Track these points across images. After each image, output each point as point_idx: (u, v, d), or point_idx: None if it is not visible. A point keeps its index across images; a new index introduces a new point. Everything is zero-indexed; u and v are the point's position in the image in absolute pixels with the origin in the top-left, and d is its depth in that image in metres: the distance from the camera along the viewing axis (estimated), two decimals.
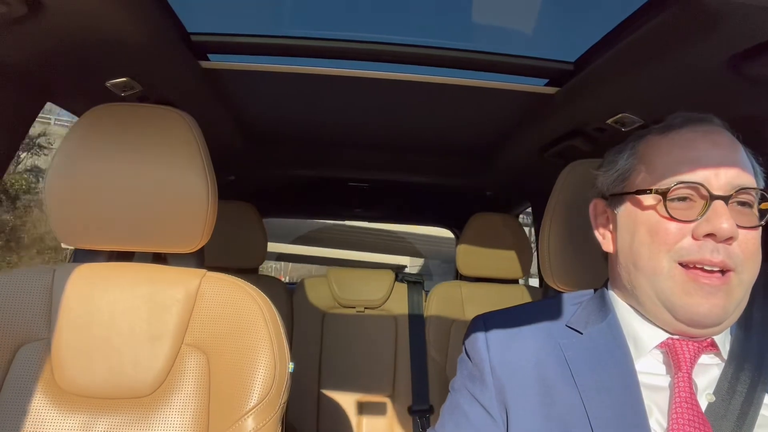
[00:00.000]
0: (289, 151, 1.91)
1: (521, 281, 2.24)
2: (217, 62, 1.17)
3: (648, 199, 0.71)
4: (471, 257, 2.12)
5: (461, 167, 1.99)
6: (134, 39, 0.95)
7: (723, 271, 0.65)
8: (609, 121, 1.20)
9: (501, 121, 1.47)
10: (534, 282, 3.06)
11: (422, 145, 1.78)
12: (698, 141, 0.70)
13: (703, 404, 0.66)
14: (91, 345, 0.91)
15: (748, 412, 0.64)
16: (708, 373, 0.70)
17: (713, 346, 0.70)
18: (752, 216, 0.67)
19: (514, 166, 1.80)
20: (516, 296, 2.10)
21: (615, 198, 0.77)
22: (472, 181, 2.13)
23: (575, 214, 0.97)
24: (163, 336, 0.92)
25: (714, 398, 0.66)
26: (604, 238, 0.80)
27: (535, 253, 2.15)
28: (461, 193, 2.52)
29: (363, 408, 2.06)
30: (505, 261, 2.12)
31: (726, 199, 0.66)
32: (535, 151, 1.55)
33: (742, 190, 0.67)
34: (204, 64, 1.16)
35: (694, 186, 0.67)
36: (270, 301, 0.97)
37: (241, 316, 0.93)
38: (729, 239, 0.64)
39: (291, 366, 0.93)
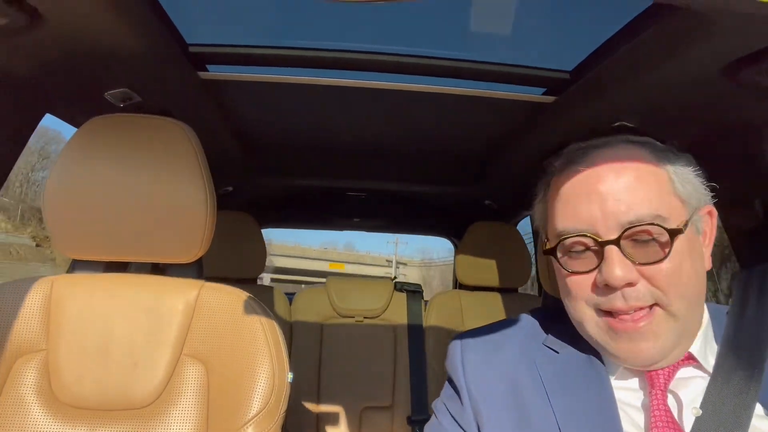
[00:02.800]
0: (287, 161, 1.92)
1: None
2: (215, 73, 1.18)
3: (555, 254, 0.70)
4: (470, 266, 2.12)
5: (459, 176, 1.99)
6: (133, 50, 0.95)
7: (642, 309, 0.63)
8: None
9: (499, 130, 1.48)
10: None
11: (421, 154, 1.78)
12: (581, 181, 0.67)
13: (690, 419, 0.64)
14: (90, 356, 0.90)
15: (739, 423, 0.62)
16: (691, 386, 0.67)
17: (691, 359, 0.68)
18: (656, 248, 0.63)
19: (513, 174, 1.80)
20: (515, 305, 2.09)
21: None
22: (471, 190, 2.13)
23: None
24: (162, 346, 0.91)
25: (701, 412, 0.64)
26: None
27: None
28: (460, 202, 2.53)
29: (362, 418, 2.05)
30: (503, 270, 2.12)
31: (616, 241, 0.62)
32: (533, 160, 1.55)
33: (632, 227, 0.62)
34: (203, 74, 1.17)
35: (580, 235, 0.65)
36: (269, 311, 0.97)
37: (239, 326, 0.92)
38: (628, 284, 0.62)
39: (290, 376, 0.93)
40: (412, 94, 1.24)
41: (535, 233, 2.16)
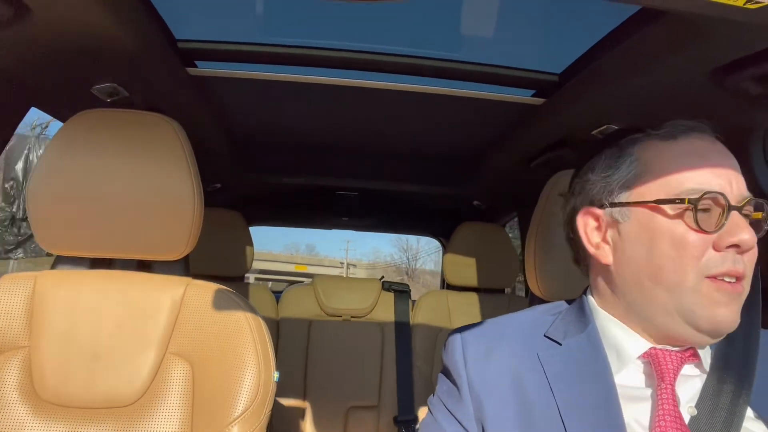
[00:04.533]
0: (276, 159, 1.91)
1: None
2: (204, 69, 1.17)
3: (669, 209, 0.68)
4: (458, 267, 2.13)
5: (449, 176, 2.00)
6: (121, 45, 0.94)
7: (737, 279, 0.65)
8: (594, 132, 1.21)
9: (488, 131, 1.48)
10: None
11: (410, 154, 1.78)
12: (710, 149, 0.69)
13: (685, 417, 0.65)
14: (73, 354, 0.89)
15: (731, 425, 0.63)
16: (689, 384, 0.68)
17: (695, 356, 0.69)
18: (759, 227, 0.68)
19: (501, 175, 1.81)
20: (502, 306, 2.10)
21: (619, 207, 0.73)
22: (460, 191, 2.14)
23: (560, 223, 0.97)
24: (147, 345, 0.91)
25: (696, 411, 0.65)
26: (598, 249, 0.76)
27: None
28: (449, 202, 2.53)
29: (348, 417, 2.04)
30: (491, 270, 2.13)
31: (740, 209, 0.66)
32: (522, 161, 1.56)
33: (752, 200, 0.67)
34: (191, 70, 1.16)
35: (716, 196, 0.65)
36: (256, 310, 0.97)
37: (226, 324, 0.92)
38: (747, 250, 0.65)
39: (276, 375, 0.92)
40: (402, 94, 1.24)
41: (523, 235, 2.18)
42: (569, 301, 0.83)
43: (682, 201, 0.66)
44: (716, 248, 0.65)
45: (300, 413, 2.01)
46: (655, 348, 0.69)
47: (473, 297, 2.13)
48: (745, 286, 0.66)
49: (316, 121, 1.52)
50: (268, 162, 1.94)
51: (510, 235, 2.30)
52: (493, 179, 1.88)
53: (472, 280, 2.14)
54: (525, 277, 1.07)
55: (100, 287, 0.94)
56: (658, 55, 0.85)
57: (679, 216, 0.67)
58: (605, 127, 1.18)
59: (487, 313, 2.08)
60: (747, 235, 0.63)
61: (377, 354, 2.13)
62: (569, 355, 0.72)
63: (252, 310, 0.96)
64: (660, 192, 0.69)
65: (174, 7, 1.00)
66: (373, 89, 1.22)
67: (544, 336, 0.76)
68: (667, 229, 0.67)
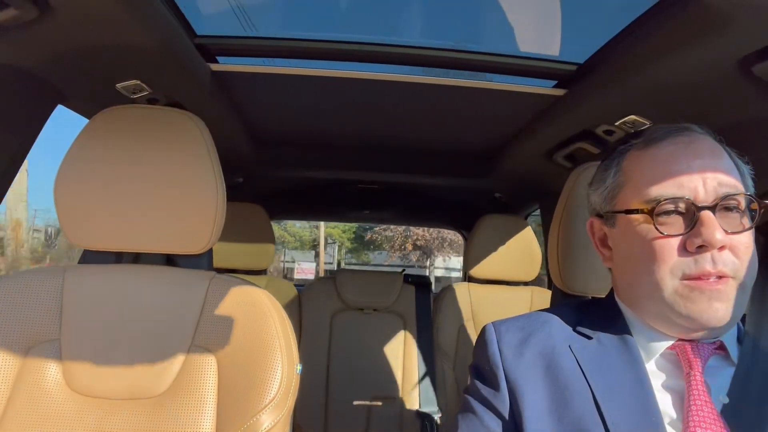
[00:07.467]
0: (297, 152, 1.92)
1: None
2: (226, 65, 1.18)
3: (639, 218, 0.72)
4: (479, 259, 2.12)
5: (470, 169, 1.98)
6: (144, 42, 0.95)
7: (720, 277, 0.66)
8: (617, 123, 1.19)
9: (509, 122, 1.47)
10: None
11: (431, 146, 1.77)
12: (679, 153, 0.71)
13: (717, 406, 0.66)
14: (102, 346, 0.91)
15: (761, 412, 0.65)
16: (718, 375, 0.70)
17: (722, 349, 0.71)
18: (739, 221, 0.69)
19: (523, 167, 1.79)
20: (525, 298, 2.09)
21: (608, 216, 0.78)
22: (481, 183, 2.12)
23: (584, 216, 0.96)
24: (173, 337, 0.92)
25: (728, 399, 0.67)
26: (603, 255, 0.82)
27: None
28: (470, 194, 2.52)
29: (370, 410, 2.06)
30: (513, 263, 2.11)
31: (713, 208, 0.67)
32: (544, 153, 1.55)
33: (728, 197, 0.68)
34: (213, 66, 1.17)
35: (679, 200, 0.68)
36: (278, 303, 0.98)
37: (249, 317, 0.93)
38: (721, 247, 0.66)
39: (299, 367, 0.93)
40: (423, 87, 1.23)
41: (546, 227, 2.16)
42: (596, 299, 0.85)
43: (643, 210, 0.71)
44: (688, 249, 0.67)
45: (322, 405, 2.03)
46: (682, 340, 0.71)
47: (495, 289, 2.12)
48: (734, 283, 0.67)
49: (337, 115, 1.53)
50: (290, 156, 1.95)
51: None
52: (515, 171, 1.86)
53: (494, 272, 2.12)
54: (548, 270, 1.06)
55: (127, 281, 0.96)
56: (683, 43, 0.83)
57: (648, 223, 0.70)
58: (629, 117, 1.16)
59: (509, 306, 2.07)
60: (717, 235, 0.65)
61: (399, 347, 2.13)
62: (600, 346, 0.75)
63: (275, 303, 0.97)
64: (634, 201, 0.73)
65: (195, 3, 1.01)
66: (394, 82, 1.21)
67: (574, 331, 0.78)
68: (640, 236, 0.72)
